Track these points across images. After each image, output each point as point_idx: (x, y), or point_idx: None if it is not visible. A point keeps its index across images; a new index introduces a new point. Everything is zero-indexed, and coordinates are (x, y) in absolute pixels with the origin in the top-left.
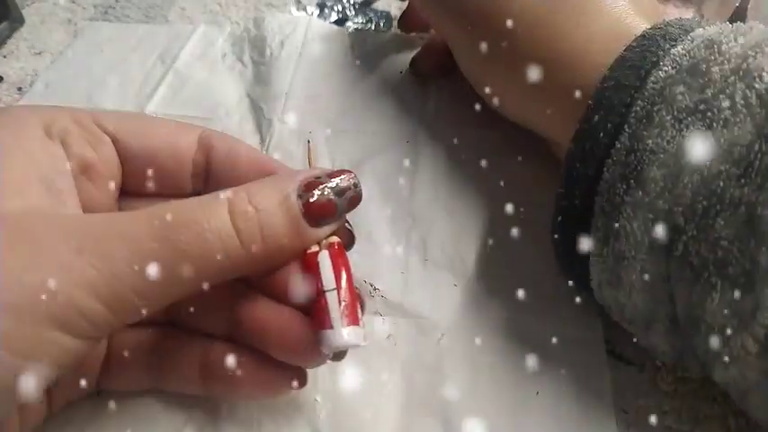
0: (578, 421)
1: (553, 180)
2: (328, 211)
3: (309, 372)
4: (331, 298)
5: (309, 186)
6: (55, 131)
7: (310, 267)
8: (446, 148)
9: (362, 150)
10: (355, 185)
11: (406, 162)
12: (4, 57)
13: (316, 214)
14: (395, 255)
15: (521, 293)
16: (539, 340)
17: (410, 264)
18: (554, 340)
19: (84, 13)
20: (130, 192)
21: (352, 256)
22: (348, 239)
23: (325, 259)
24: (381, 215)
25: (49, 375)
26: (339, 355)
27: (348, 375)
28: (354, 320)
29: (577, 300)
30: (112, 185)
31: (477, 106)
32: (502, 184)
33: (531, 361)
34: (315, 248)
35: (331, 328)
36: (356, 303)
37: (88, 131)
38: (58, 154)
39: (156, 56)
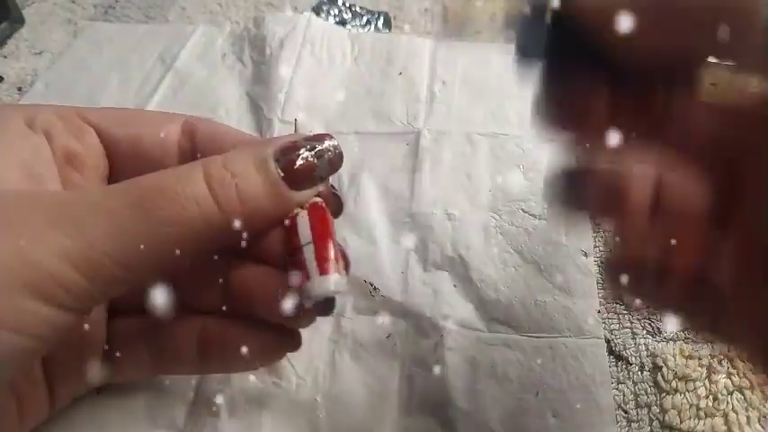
0: (578, 421)
1: None
2: (308, 173)
3: (309, 372)
4: (308, 251)
5: (287, 150)
6: (38, 124)
7: (290, 227)
8: (446, 148)
9: (362, 151)
10: (335, 147)
11: (406, 162)
12: (5, 57)
13: (295, 177)
14: (395, 255)
15: (521, 294)
16: (539, 340)
17: (410, 264)
18: (554, 340)
19: (84, 13)
20: (118, 182)
21: (353, 255)
22: (336, 205)
23: (302, 217)
24: (381, 215)
25: (31, 347)
26: (326, 308)
27: (348, 375)
28: (332, 269)
29: (578, 300)
30: (98, 174)
31: (480, 110)
32: (502, 182)
33: (531, 361)
34: (298, 211)
35: (308, 278)
36: (336, 254)
37: (71, 123)
38: (39, 143)
39: (156, 56)
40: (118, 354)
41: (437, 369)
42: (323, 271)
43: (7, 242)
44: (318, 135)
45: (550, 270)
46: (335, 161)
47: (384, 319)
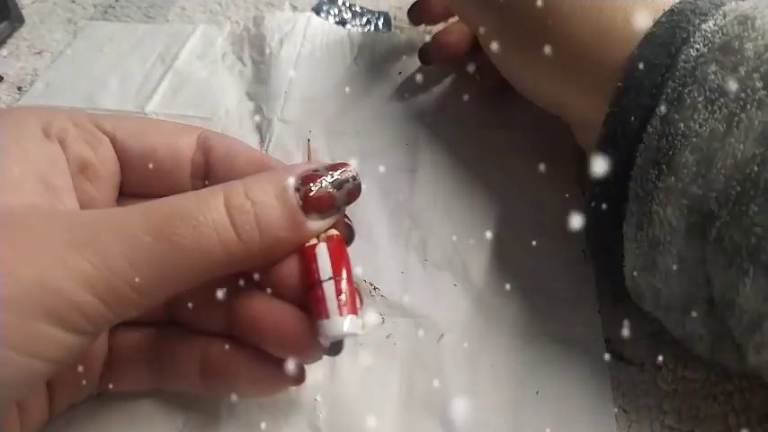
0: (578, 421)
1: (554, 180)
2: (327, 203)
3: (309, 372)
4: (328, 287)
5: (307, 179)
6: (53, 131)
7: (308, 259)
8: (446, 149)
9: (361, 150)
10: (354, 178)
11: (406, 162)
12: (4, 56)
13: (314, 207)
14: (395, 255)
15: (521, 293)
16: (539, 340)
17: (410, 264)
18: (554, 340)
19: (84, 12)
20: (130, 193)
21: (352, 255)
22: (348, 234)
23: (323, 250)
24: (381, 215)
25: (45, 371)
26: (335, 349)
27: (348, 375)
28: (352, 310)
29: (577, 300)
30: (111, 185)
31: (479, 108)
32: (502, 184)
33: (532, 361)
34: (313, 241)
35: (328, 317)
36: (354, 294)
37: (86, 131)
38: (55, 153)
39: (156, 55)
40: (118, 365)
41: (437, 369)
42: (342, 311)
43: (28, 267)
44: (338, 164)
45: (550, 270)
46: (354, 192)
47: (384, 319)
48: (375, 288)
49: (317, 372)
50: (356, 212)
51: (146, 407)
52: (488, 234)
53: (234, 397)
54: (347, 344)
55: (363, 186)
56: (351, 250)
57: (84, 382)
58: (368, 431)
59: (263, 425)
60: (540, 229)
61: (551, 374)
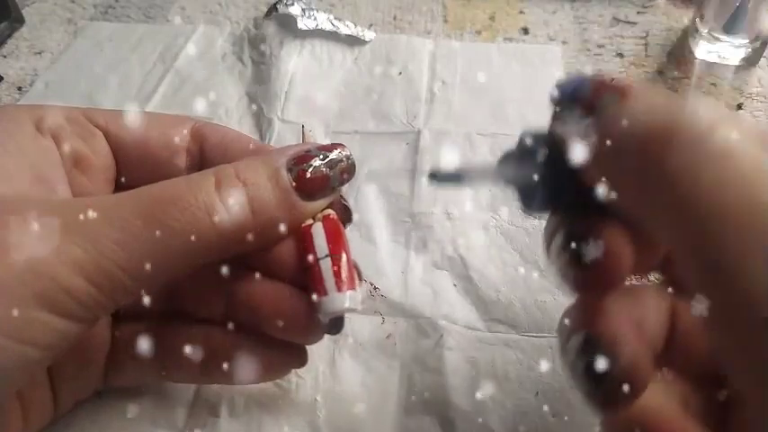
0: (578, 421)
1: None
2: (320, 183)
3: (309, 372)
4: (325, 265)
5: (300, 160)
6: (46, 127)
7: (305, 239)
8: (446, 149)
9: (362, 150)
10: (348, 157)
11: (406, 162)
12: (4, 56)
13: (308, 187)
14: (395, 255)
15: (521, 293)
16: (539, 340)
17: (410, 264)
18: (554, 340)
19: (85, 12)
20: (126, 185)
21: (353, 255)
22: (345, 215)
23: (318, 229)
24: (381, 215)
25: (40, 358)
26: (335, 326)
27: (348, 375)
28: (350, 285)
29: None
30: (106, 177)
31: (480, 110)
32: (502, 184)
33: (531, 361)
34: (309, 222)
35: (326, 294)
36: (352, 270)
37: (79, 126)
38: (48, 147)
39: (157, 55)
40: (121, 359)
41: (437, 369)
42: (340, 287)
43: (19, 252)
44: (331, 145)
45: (550, 270)
46: (348, 171)
47: (384, 319)
48: (375, 288)
49: (317, 372)
50: (356, 212)
51: (146, 406)
52: (488, 234)
53: (236, 385)
54: (347, 344)
55: (363, 187)
56: (351, 250)
57: (87, 376)
58: (368, 431)
59: (262, 425)
60: (541, 229)
61: (551, 374)
